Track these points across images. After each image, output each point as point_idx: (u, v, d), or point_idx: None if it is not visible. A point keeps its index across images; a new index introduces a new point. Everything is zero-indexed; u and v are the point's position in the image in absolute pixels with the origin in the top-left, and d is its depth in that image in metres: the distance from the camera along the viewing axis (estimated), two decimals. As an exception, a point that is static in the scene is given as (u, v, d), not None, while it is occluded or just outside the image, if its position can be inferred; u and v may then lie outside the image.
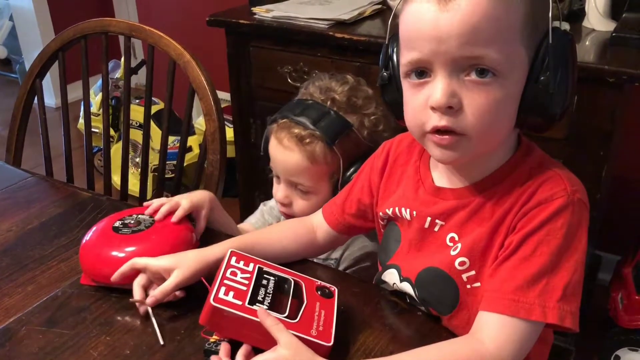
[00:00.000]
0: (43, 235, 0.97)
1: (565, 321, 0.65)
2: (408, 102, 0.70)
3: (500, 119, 0.67)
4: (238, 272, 0.74)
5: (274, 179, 1.07)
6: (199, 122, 2.27)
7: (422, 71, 0.66)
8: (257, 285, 0.73)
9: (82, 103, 1.22)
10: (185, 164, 1.94)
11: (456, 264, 0.73)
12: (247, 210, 1.85)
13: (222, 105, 2.34)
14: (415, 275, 0.77)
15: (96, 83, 2.53)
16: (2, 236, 0.96)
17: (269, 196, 1.27)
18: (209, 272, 0.79)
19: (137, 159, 2.47)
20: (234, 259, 0.76)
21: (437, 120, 0.66)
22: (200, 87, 1.11)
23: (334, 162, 0.98)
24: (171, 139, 2.29)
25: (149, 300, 0.77)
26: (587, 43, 1.46)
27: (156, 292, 0.77)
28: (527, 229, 0.67)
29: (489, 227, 0.71)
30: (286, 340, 0.65)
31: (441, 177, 0.77)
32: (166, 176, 2.38)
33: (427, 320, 0.78)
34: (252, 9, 1.80)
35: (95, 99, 2.43)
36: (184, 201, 0.90)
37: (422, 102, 0.67)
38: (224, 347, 0.69)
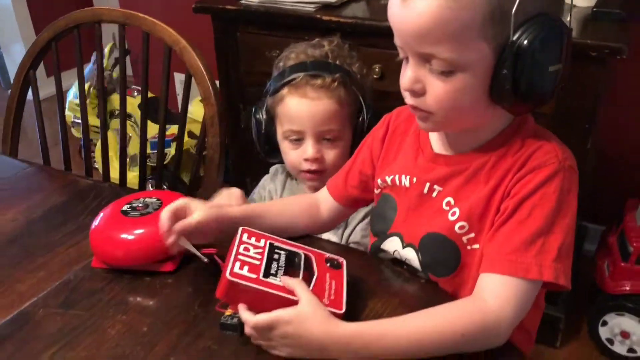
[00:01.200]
0: (48, 223, 0.98)
1: (560, 279, 0.70)
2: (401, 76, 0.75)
3: (461, 104, 0.72)
4: (250, 247, 0.76)
5: (291, 145, 1.10)
6: (190, 110, 2.28)
7: (406, 57, 0.73)
8: (270, 260, 0.75)
9: (70, 94, 1.23)
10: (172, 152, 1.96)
11: (456, 228, 0.77)
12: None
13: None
14: (418, 240, 0.81)
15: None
16: (8, 226, 0.98)
17: (259, 181, 1.30)
18: (224, 228, 0.82)
19: (127, 149, 2.47)
20: (245, 235, 0.79)
21: (408, 98, 0.75)
22: (198, 73, 1.13)
23: (354, 103, 1.09)
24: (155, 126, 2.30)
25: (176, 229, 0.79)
26: (568, 18, 1.49)
27: (177, 225, 0.79)
28: (522, 193, 0.71)
29: (486, 193, 0.74)
30: (308, 298, 0.69)
31: (439, 144, 0.82)
32: (152, 164, 2.41)
33: (430, 286, 0.82)
34: (237, -6, 1.82)
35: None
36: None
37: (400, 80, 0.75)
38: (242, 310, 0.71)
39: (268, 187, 1.20)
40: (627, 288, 1.62)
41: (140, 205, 0.89)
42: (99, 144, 2.42)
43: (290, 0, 1.69)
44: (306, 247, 0.81)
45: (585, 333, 1.73)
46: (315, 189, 1.04)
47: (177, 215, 0.80)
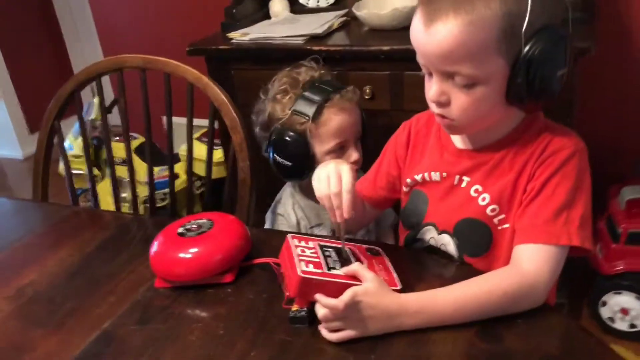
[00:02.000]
0: (103, 255, 1.06)
1: (585, 243, 0.81)
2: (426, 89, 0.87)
3: (483, 111, 0.83)
4: (305, 249, 0.86)
5: (335, 156, 1.22)
6: (183, 149, 2.36)
7: (429, 72, 0.84)
8: (325, 257, 0.85)
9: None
10: (176, 190, 2.04)
11: (488, 211, 0.88)
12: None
13: (204, 131, 2.45)
14: (453, 226, 0.92)
15: (73, 126, 2.58)
16: (66, 261, 1.05)
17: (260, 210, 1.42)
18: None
19: (124, 194, 2.53)
20: (295, 240, 0.89)
21: (435, 108, 0.85)
22: (223, 105, 1.23)
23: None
24: (156, 169, 2.38)
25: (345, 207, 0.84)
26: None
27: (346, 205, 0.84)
28: (546, 174, 0.83)
29: (512, 177, 0.86)
30: (371, 276, 0.79)
31: (461, 141, 0.93)
32: (157, 205, 2.47)
33: (466, 267, 0.92)
34: (227, 34, 1.93)
35: (77, 142, 2.48)
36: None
37: (427, 94, 0.86)
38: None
39: (293, 212, 1.31)
40: (621, 267, 1.75)
41: (194, 226, 0.97)
42: (100, 190, 2.49)
43: (280, 35, 1.81)
44: (346, 242, 0.91)
45: (587, 316, 1.84)
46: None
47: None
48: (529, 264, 0.81)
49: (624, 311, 1.77)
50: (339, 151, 1.23)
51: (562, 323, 0.78)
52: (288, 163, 1.24)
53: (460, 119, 0.84)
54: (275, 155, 1.24)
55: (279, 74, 1.34)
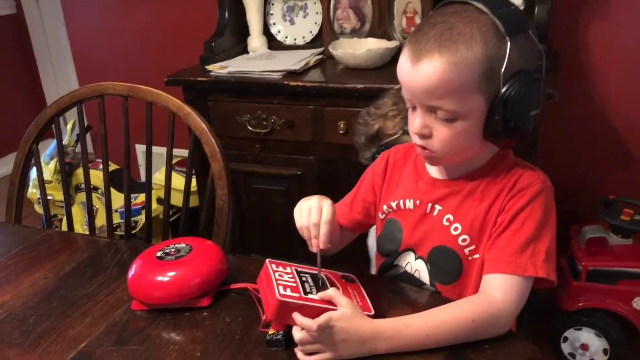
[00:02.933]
0: (79, 277, 1.06)
1: (550, 275, 0.86)
2: (409, 121, 0.92)
3: (462, 145, 0.89)
4: (283, 274, 0.89)
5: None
6: (157, 177, 2.37)
7: (413, 106, 0.90)
8: (302, 282, 0.88)
9: (33, 172, 1.32)
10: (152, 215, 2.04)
11: (459, 240, 0.92)
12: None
13: (179, 160, 2.47)
14: (427, 253, 0.96)
15: (45, 151, 2.57)
16: (42, 282, 1.05)
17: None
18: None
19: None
20: (273, 266, 0.91)
21: (417, 139, 0.90)
22: (204, 134, 1.26)
23: None
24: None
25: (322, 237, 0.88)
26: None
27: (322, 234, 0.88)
28: (516, 208, 0.88)
29: (483, 209, 0.91)
30: (346, 302, 0.82)
31: (436, 171, 0.98)
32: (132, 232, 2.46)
33: (438, 295, 0.96)
34: (206, 67, 1.97)
35: (48, 167, 2.47)
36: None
37: (411, 126, 0.91)
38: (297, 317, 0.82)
39: None
40: (581, 304, 1.82)
41: (172, 250, 0.99)
42: (65, 218, 2.47)
43: (257, 69, 1.86)
44: (319, 268, 0.94)
45: (549, 351, 1.89)
46: None
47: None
48: (497, 293, 0.85)
49: (584, 347, 1.83)
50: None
51: (526, 349, 0.82)
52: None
53: (440, 151, 0.89)
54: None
55: (390, 92, 1.38)
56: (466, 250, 0.92)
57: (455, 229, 0.93)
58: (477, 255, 0.92)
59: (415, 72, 0.85)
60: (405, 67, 0.87)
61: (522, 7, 1.75)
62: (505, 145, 0.91)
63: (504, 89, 0.83)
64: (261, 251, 1.98)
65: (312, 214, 0.90)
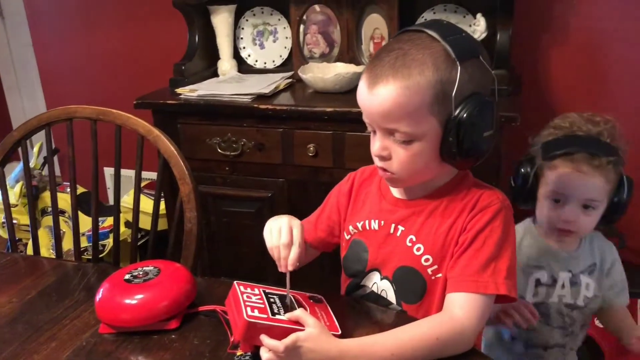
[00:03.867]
0: (46, 301, 1.05)
1: (512, 292, 0.89)
2: (371, 145, 0.94)
3: (420, 165, 0.92)
4: (251, 295, 0.90)
5: (551, 204, 1.21)
6: (125, 200, 2.36)
7: (373, 130, 0.93)
8: (269, 303, 0.89)
9: None
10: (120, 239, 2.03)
11: (422, 260, 0.94)
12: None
13: (147, 183, 2.46)
14: (392, 273, 0.98)
15: (10, 174, 2.53)
16: (6, 307, 1.04)
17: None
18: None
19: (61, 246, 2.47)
20: (241, 287, 0.92)
21: (378, 161, 0.94)
22: (172, 157, 1.27)
23: (617, 180, 1.19)
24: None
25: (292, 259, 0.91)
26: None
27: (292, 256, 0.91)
28: (476, 228, 0.91)
29: (444, 229, 0.93)
30: (313, 322, 0.84)
31: (398, 191, 1.01)
32: (100, 256, 2.43)
33: (403, 314, 0.98)
34: (175, 90, 1.98)
35: (13, 190, 2.43)
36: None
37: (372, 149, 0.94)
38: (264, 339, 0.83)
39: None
40: (546, 322, 1.85)
41: (140, 273, 0.99)
42: (30, 242, 2.43)
43: (227, 93, 1.88)
44: (289, 290, 0.95)
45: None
46: (562, 244, 1.25)
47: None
48: (460, 311, 0.87)
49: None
50: (556, 202, 1.21)
51: (488, 366, 0.85)
52: (512, 184, 1.27)
53: (399, 172, 0.92)
54: (512, 176, 1.29)
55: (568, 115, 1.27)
56: (429, 270, 0.95)
57: (418, 249, 0.95)
58: (440, 275, 0.94)
59: (372, 97, 0.88)
60: (363, 92, 0.90)
61: (484, 34, 1.82)
62: (462, 166, 0.94)
63: (456, 112, 0.87)
64: (231, 274, 1.98)
65: (282, 235, 0.92)
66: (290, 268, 0.91)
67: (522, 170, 1.25)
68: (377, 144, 0.92)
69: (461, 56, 0.86)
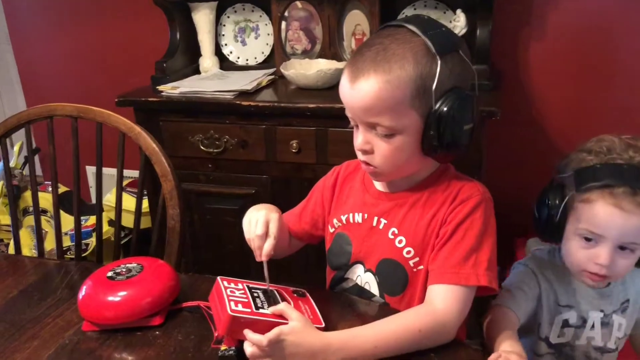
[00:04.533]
0: (28, 300, 1.05)
1: (492, 283, 0.90)
2: (353, 141, 0.95)
3: (402, 159, 0.93)
4: (235, 290, 0.90)
5: (582, 243, 1.03)
6: (107, 198, 2.35)
7: (356, 125, 0.94)
8: (253, 297, 0.90)
9: None
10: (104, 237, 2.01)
11: (404, 253, 0.96)
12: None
13: (130, 181, 2.45)
14: (375, 265, 0.99)
15: (-11, 174, 2.51)
16: (-13, 307, 1.03)
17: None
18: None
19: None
20: (225, 282, 0.93)
21: (361, 155, 0.95)
22: (154, 154, 1.26)
23: None
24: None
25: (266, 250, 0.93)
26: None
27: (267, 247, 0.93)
28: (457, 220, 0.92)
29: (425, 222, 0.95)
30: (297, 315, 0.85)
31: (381, 185, 1.02)
32: (83, 255, 2.41)
33: (386, 307, 0.99)
34: (157, 87, 1.97)
35: (-6, 189, 2.41)
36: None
37: (355, 143, 0.95)
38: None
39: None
40: (528, 314, 1.87)
41: (123, 270, 0.99)
42: (12, 242, 2.41)
43: (210, 90, 1.87)
44: (273, 284, 0.96)
45: None
46: (593, 286, 1.08)
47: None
48: (441, 303, 0.88)
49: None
50: (588, 241, 1.02)
51: (470, 355, 0.86)
52: (537, 215, 1.09)
53: (381, 166, 0.93)
54: (536, 205, 1.10)
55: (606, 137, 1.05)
56: (411, 262, 0.96)
57: (400, 241, 0.96)
58: (421, 267, 0.95)
59: (354, 91, 0.89)
60: (345, 87, 0.91)
61: (464, 29, 1.83)
62: (443, 160, 0.95)
63: (436, 106, 0.88)
64: (215, 271, 1.96)
65: (258, 226, 0.93)
66: (264, 258, 0.93)
67: (549, 201, 1.05)
68: (359, 138, 0.93)
69: (441, 51, 0.87)
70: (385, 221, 0.99)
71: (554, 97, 2.07)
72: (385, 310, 0.96)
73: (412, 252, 0.96)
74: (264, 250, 0.93)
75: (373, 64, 0.88)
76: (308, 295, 0.97)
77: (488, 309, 1.05)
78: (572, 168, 1.04)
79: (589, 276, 1.05)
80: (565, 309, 1.10)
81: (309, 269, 1.73)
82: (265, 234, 0.93)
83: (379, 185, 1.02)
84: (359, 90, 0.88)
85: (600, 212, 0.98)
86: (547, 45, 2.03)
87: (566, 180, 1.05)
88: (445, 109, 0.88)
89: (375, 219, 1.00)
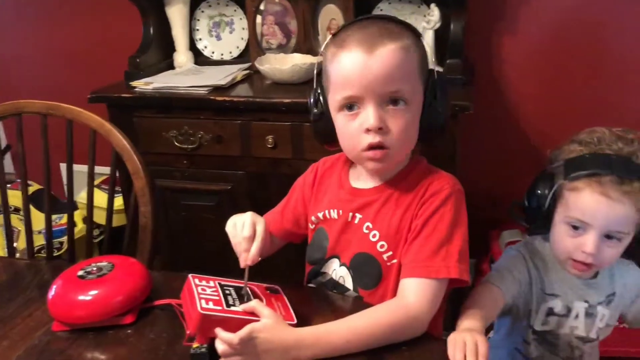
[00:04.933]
0: (-3, 300, 1.03)
1: (464, 275, 0.91)
2: (344, 129, 0.95)
3: (411, 134, 0.94)
4: (206, 288, 0.90)
5: (571, 232, 1.04)
6: (82, 196, 2.32)
7: (351, 105, 0.92)
8: (225, 295, 0.89)
9: None
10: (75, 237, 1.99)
11: (378, 247, 0.96)
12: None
13: (103, 178, 2.42)
14: (349, 260, 1.00)
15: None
16: (-45, 308, 1.01)
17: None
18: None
19: (14, 244, 2.41)
20: (196, 280, 0.92)
21: (372, 138, 0.92)
22: (125, 151, 1.25)
23: None
24: (52, 217, 2.30)
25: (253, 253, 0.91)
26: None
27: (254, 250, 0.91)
28: (427, 213, 0.93)
29: (398, 216, 0.95)
30: (268, 313, 0.84)
31: (356, 181, 1.02)
32: (53, 255, 2.38)
33: (359, 301, 1.00)
34: (130, 83, 1.95)
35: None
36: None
37: (357, 128, 0.92)
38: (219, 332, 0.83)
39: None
40: (503, 305, 1.89)
41: (94, 269, 0.98)
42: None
43: (184, 85, 1.86)
44: (246, 281, 0.96)
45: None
46: (580, 276, 1.09)
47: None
48: (413, 297, 0.89)
49: (507, 347, 1.90)
50: (576, 229, 1.04)
51: (440, 349, 0.86)
52: (527, 204, 1.10)
53: (396, 144, 0.92)
54: (527, 195, 1.11)
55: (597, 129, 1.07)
56: (384, 256, 0.96)
57: (374, 235, 0.97)
58: (394, 261, 0.96)
59: (372, 60, 0.88)
60: (356, 60, 0.89)
61: (438, 24, 1.84)
62: (431, 140, 0.97)
63: (430, 80, 0.93)
64: (192, 268, 1.95)
65: (245, 228, 0.92)
66: (249, 262, 0.91)
67: (539, 190, 1.07)
68: (373, 117, 0.89)
69: (419, 35, 0.94)
70: (360, 216, 0.99)
71: (528, 91, 2.09)
72: (359, 304, 0.97)
73: (386, 246, 0.96)
74: (250, 254, 0.90)
75: (382, 36, 0.89)
76: (281, 291, 0.96)
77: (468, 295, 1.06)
78: (562, 158, 1.07)
79: (575, 265, 1.06)
80: (551, 297, 1.12)
81: (290, 266, 1.73)
82: (253, 237, 0.92)
83: (353, 182, 1.03)
84: (380, 58, 0.88)
85: (587, 199, 1.00)
86: (521, 39, 2.05)
87: (556, 170, 1.07)
88: (438, 84, 0.93)
89: (350, 214, 1.00)
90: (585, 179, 1.00)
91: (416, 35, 0.94)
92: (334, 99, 0.94)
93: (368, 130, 0.91)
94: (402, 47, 0.89)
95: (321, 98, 0.98)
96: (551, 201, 1.06)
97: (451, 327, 0.94)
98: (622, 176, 0.99)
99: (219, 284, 0.93)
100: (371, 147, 0.92)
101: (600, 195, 0.99)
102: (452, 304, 1.05)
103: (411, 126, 0.93)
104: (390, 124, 0.91)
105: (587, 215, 1.01)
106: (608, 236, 1.02)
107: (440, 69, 1.82)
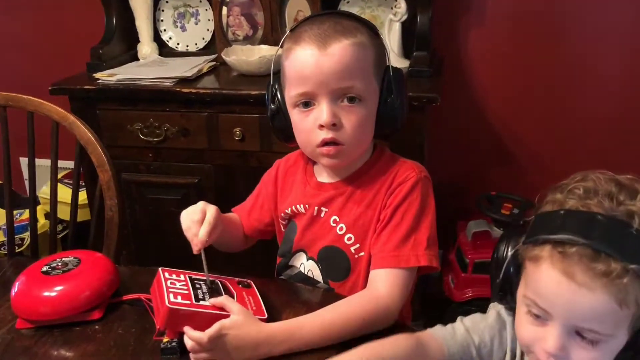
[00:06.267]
0: (-43, 299, 0.99)
1: (433, 262, 0.92)
2: (299, 126, 0.94)
3: (366, 130, 0.94)
4: (175, 282, 0.88)
5: (532, 317, 0.70)
6: (44, 191, 2.26)
7: (306, 102, 0.91)
8: (194, 289, 0.88)
9: None
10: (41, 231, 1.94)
11: (345, 239, 0.96)
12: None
13: (66, 172, 2.36)
14: (317, 253, 1.00)
15: None
16: None
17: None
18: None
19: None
20: (166, 273, 0.91)
21: (325, 134, 0.91)
22: (90, 143, 1.22)
23: None
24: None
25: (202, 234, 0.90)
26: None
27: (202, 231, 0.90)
28: (394, 203, 0.93)
29: (364, 208, 0.95)
30: (238, 309, 0.83)
31: (321, 176, 1.02)
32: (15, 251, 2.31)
33: (330, 293, 0.99)
34: (93, 74, 1.91)
35: None
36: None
37: (311, 124, 0.92)
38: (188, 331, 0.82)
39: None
40: (470, 294, 1.93)
41: (59, 264, 0.96)
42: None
43: (148, 77, 1.82)
44: (218, 275, 0.95)
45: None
46: None
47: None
48: (383, 287, 0.89)
49: (474, 335, 1.93)
50: (534, 319, 0.70)
51: (412, 337, 0.87)
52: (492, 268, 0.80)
53: (350, 141, 0.92)
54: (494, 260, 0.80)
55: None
56: (352, 249, 0.97)
57: (341, 229, 0.97)
58: (362, 253, 0.96)
59: (326, 57, 0.88)
60: (310, 56, 0.89)
61: (405, 16, 1.84)
62: (389, 133, 0.97)
63: (386, 77, 0.93)
64: (159, 262, 1.92)
65: (194, 214, 0.92)
66: (200, 245, 0.90)
67: (500, 249, 0.78)
68: (327, 112, 0.90)
69: (376, 32, 0.94)
70: (327, 210, 0.99)
71: (494, 83, 2.12)
72: (330, 296, 0.96)
73: (353, 239, 0.96)
74: (199, 235, 0.89)
75: (338, 31, 0.89)
76: (253, 285, 0.95)
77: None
78: (539, 210, 0.74)
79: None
80: None
81: (255, 258, 1.72)
82: (202, 221, 0.90)
83: (319, 177, 1.02)
84: (333, 54, 0.88)
85: (545, 278, 0.67)
86: (488, 31, 2.07)
87: (528, 226, 0.74)
88: (394, 80, 0.93)
89: (316, 208, 1.00)
90: (549, 247, 0.67)
91: (373, 31, 0.94)
92: (289, 95, 0.94)
93: (322, 127, 0.91)
94: (356, 43, 0.89)
95: (278, 94, 0.97)
96: (512, 268, 0.76)
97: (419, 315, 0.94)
98: (600, 250, 0.64)
99: (189, 277, 0.91)
100: (325, 143, 0.92)
101: (561, 273, 0.65)
102: (418, 289, 1.06)
103: (366, 122, 0.93)
104: (344, 120, 0.91)
105: (544, 299, 0.69)
106: (579, 333, 0.67)
107: (407, 62, 1.83)
